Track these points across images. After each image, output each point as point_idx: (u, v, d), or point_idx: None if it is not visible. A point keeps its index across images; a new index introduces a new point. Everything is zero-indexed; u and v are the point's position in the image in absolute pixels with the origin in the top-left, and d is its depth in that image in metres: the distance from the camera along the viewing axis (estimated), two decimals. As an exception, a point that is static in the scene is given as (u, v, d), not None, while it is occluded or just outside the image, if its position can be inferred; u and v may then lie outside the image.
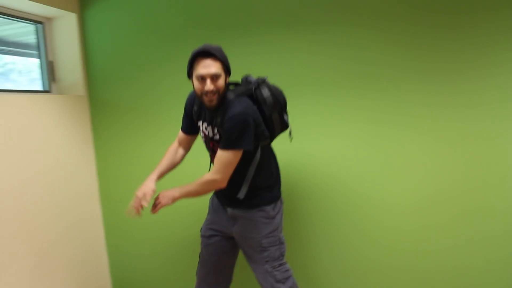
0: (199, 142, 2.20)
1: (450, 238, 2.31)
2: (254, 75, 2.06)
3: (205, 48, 1.77)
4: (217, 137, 1.91)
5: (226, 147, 1.82)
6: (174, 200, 1.90)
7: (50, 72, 2.76)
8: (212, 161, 2.04)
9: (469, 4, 2.16)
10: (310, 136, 2.45)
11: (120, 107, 2.78)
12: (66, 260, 2.54)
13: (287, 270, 2.01)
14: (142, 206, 1.88)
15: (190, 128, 2.09)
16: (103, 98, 2.81)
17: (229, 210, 2.05)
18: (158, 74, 2.68)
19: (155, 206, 1.92)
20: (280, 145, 2.36)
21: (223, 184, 1.89)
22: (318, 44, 2.39)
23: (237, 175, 1.90)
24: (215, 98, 1.81)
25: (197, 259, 2.25)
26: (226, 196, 2.05)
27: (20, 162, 2.25)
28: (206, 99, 1.81)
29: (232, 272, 2.23)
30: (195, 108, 2.00)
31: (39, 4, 2.45)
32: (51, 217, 2.44)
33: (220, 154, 1.84)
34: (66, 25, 2.75)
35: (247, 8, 2.48)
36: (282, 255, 2.02)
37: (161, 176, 2.06)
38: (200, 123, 2.00)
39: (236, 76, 2.07)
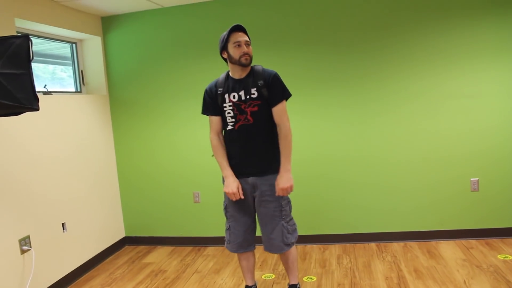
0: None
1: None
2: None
3: (237, 25, 2.31)
4: (254, 95, 2.35)
5: (281, 98, 2.35)
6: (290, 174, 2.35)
7: (81, 78, 3.77)
8: (236, 123, 2.39)
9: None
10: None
11: (133, 104, 3.81)
12: (93, 207, 3.67)
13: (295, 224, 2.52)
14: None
15: (217, 110, 2.43)
16: (120, 97, 3.83)
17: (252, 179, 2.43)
18: (163, 81, 3.70)
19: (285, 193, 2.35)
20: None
21: None
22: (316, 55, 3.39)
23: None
24: (249, 58, 2.32)
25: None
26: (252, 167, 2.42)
27: (63, 140, 3.29)
28: (243, 59, 2.30)
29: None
30: (220, 90, 2.40)
31: (73, 31, 3.41)
32: (82, 178, 3.54)
33: (280, 106, 2.34)
34: (93, 45, 3.74)
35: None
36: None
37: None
38: (226, 96, 2.39)
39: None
